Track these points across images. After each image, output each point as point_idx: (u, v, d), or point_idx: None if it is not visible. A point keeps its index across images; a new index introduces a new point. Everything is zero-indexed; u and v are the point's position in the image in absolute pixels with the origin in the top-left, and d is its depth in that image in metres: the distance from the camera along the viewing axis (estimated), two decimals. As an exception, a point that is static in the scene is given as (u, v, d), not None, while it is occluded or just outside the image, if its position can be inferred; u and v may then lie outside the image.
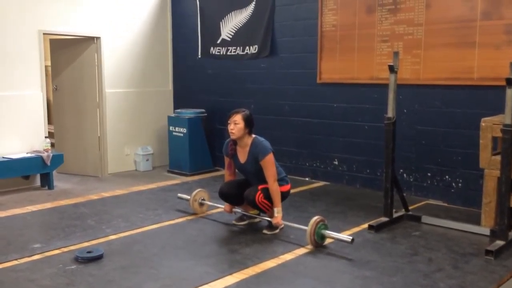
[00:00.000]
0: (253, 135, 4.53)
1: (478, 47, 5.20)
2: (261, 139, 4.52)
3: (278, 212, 4.39)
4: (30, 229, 4.71)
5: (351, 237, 4.03)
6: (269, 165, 4.38)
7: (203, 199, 5.12)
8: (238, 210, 4.80)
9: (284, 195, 4.59)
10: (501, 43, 5.05)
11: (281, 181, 4.53)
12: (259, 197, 4.37)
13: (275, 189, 4.37)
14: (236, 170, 4.75)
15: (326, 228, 4.18)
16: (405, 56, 5.67)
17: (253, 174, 4.52)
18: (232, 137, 4.48)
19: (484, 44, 5.16)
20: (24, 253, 3.98)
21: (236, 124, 4.41)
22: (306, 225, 4.14)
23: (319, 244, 4.13)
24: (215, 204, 5.05)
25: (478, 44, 5.19)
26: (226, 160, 4.71)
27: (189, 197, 5.14)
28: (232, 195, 4.63)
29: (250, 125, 4.47)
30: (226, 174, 4.79)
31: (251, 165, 4.48)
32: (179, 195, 5.42)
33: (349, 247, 4.07)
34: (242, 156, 4.54)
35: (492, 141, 4.51)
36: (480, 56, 5.19)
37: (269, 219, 4.52)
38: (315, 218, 4.16)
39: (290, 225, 4.44)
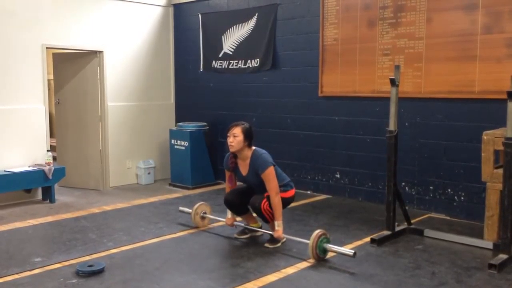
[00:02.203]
0: (253, 147, 4.52)
1: (479, 60, 5.21)
2: (261, 151, 4.51)
3: (279, 225, 4.38)
4: (31, 242, 4.70)
5: (353, 251, 4.01)
6: (270, 178, 4.37)
7: (205, 213, 5.11)
8: (240, 223, 4.79)
9: (289, 201, 4.61)
10: (502, 56, 5.07)
11: (285, 186, 4.53)
12: (264, 204, 4.37)
13: (277, 203, 4.36)
14: (239, 183, 4.75)
15: (328, 241, 4.16)
16: (406, 69, 5.69)
17: (257, 185, 4.51)
18: (231, 150, 4.47)
19: (485, 58, 5.17)
20: (25, 267, 3.97)
21: (235, 137, 4.41)
22: (308, 239, 4.12)
23: (321, 258, 4.12)
24: (217, 218, 5.04)
25: (479, 58, 5.21)
26: (227, 173, 4.71)
27: (190, 210, 5.13)
28: (237, 202, 4.63)
29: (249, 137, 4.46)
30: (227, 187, 4.79)
31: (253, 178, 4.48)
32: (181, 208, 5.42)
33: (352, 261, 4.05)
34: (243, 169, 4.54)
35: (494, 154, 4.50)
36: (481, 69, 5.20)
37: (271, 232, 4.51)
38: (317, 231, 4.14)
39: (292, 239, 4.42)
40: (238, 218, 4.85)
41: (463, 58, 5.32)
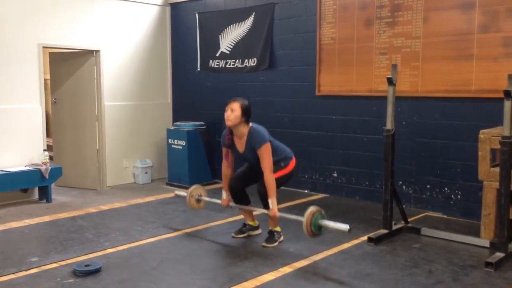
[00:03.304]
0: (250, 124, 4.45)
1: (476, 59, 5.22)
2: (258, 127, 4.44)
3: (272, 203, 4.30)
4: (28, 242, 4.68)
5: (348, 226, 3.87)
6: (265, 155, 4.31)
7: (200, 195, 5.01)
8: (235, 205, 4.72)
9: (290, 175, 4.59)
10: (499, 55, 5.08)
11: (285, 160, 4.51)
12: None
13: (270, 181, 4.28)
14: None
15: (323, 218, 4.03)
16: (403, 68, 5.69)
17: (254, 162, 4.44)
18: (228, 123, 4.38)
19: (482, 57, 5.18)
20: (21, 266, 3.96)
21: (233, 111, 4.34)
22: (303, 217, 4.01)
23: (316, 235, 4.01)
24: (212, 200, 4.94)
25: (476, 57, 5.22)
26: (224, 150, 4.64)
27: (185, 193, 5.07)
28: (240, 188, 4.59)
29: (247, 114, 4.38)
30: (223, 164, 4.68)
31: (250, 154, 4.42)
32: (177, 192, 5.40)
33: (349, 259, 4.05)
34: (240, 146, 4.47)
35: (490, 153, 4.51)
36: (478, 68, 5.21)
37: (265, 211, 4.41)
38: (311, 208, 4.03)
39: (286, 217, 4.31)
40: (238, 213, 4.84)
41: (460, 57, 5.33)
